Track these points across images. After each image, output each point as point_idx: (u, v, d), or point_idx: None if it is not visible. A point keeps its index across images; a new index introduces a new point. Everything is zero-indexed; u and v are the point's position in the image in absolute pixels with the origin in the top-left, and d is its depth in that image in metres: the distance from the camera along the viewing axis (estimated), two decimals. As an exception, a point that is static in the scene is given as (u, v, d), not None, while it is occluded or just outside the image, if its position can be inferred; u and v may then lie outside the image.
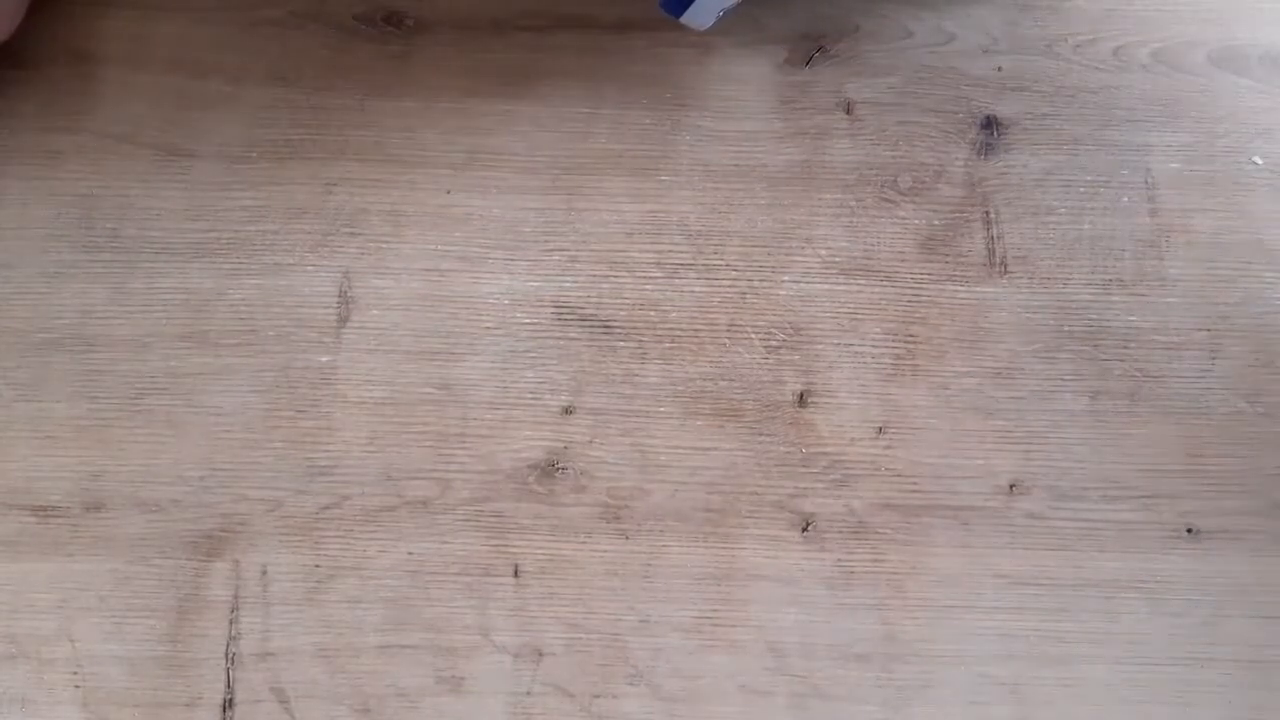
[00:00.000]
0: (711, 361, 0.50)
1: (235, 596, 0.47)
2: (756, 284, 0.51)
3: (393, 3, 0.55)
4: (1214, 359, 0.50)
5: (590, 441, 0.49)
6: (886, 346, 0.51)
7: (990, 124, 0.54)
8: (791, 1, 0.56)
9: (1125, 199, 0.53)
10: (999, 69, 0.55)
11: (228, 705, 0.46)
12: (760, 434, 0.49)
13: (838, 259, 0.52)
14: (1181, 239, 0.52)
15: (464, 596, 0.47)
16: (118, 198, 0.52)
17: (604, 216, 0.52)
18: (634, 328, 0.51)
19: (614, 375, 0.50)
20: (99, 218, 0.51)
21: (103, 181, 0.52)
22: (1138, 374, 0.50)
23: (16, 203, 0.51)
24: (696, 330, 0.51)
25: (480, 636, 0.47)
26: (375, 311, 0.50)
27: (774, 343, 0.51)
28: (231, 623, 0.47)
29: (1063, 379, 0.50)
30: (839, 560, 0.48)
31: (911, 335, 0.51)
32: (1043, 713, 0.47)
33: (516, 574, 0.48)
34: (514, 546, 0.48)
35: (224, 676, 0.46)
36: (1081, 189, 0.53)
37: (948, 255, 0.52)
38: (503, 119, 0.53)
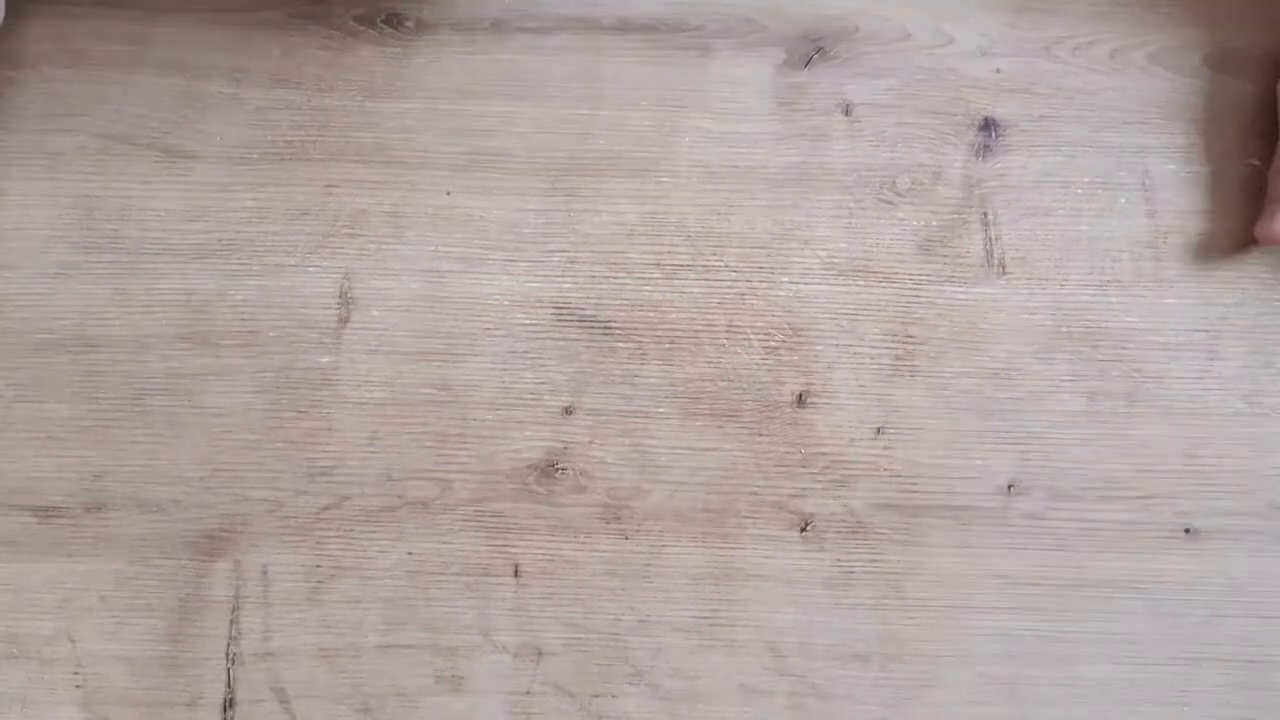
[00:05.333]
0: (710, 362, 0.50)
1: (236, 596, 0.47)
2: (755, 285, 0.51)
3: (393, 4, 0.55)
4: (1212, 359, 0.51)
5: (590, 442, 0.49)
6: (885, 347, 0.51)
7: (988, 125, 0.54)
8: (791, 2, 0.56)
9: (1123, 200, 0.53)
10: (997, 71, 0.55)
11: (228, 705, 0.46)
12: (759, 434, 0.49)
13: (836, 260, 0.52)
14: (1179, 240, 0.52)
15: (464, 596, 0.47)
16: (118, 199, 0.52)
17: (603, 218, 0.52)
18: (633, 328, 0.51)
19: (613, 376, 0.50)
20: (100, 219, 0.51)
21: (103, 182, 0.52)
22: (1136, 374, 0.50)
23: (17, 204, 0.51)
24: (696, 331, 0.51)
25: (480, 636, 0.47)
26: (376, 312, 0.51)
27: (773, 343, 0.51)
28: (232, 623, 0.47)
29: (1061, 380, 0.50)
30: (838, 560, 0.48)
31: (910, 336, 0.51)
32: (1042, 713, 0.47)
33: (516, 574, 0.48)
34: (514, 546, 0.48)
35: (224, 676, 0.46)
36: (1079, 190, 0.53)
37: (946, 256, 0.52)
38: (503, 119, 0.54)
